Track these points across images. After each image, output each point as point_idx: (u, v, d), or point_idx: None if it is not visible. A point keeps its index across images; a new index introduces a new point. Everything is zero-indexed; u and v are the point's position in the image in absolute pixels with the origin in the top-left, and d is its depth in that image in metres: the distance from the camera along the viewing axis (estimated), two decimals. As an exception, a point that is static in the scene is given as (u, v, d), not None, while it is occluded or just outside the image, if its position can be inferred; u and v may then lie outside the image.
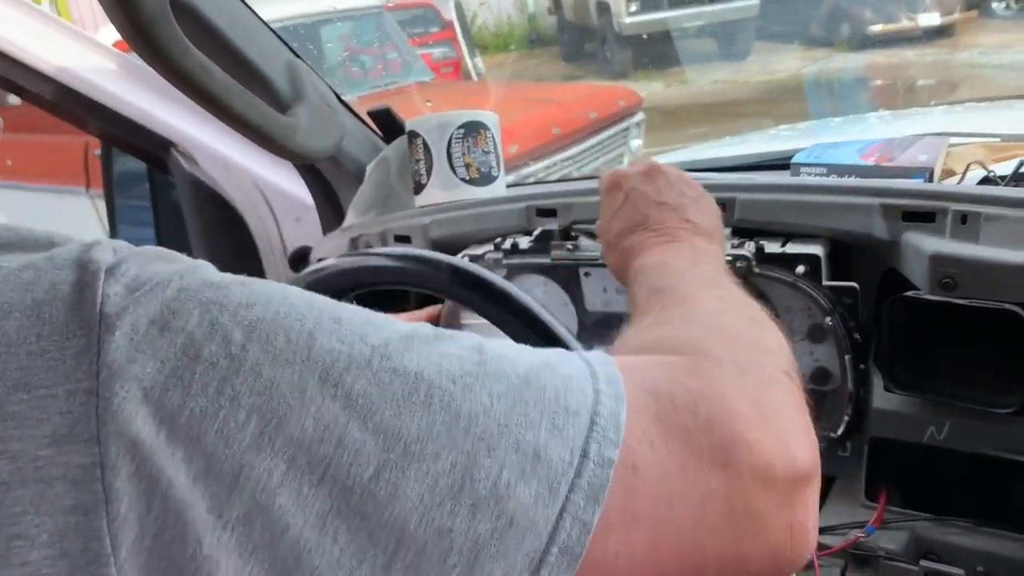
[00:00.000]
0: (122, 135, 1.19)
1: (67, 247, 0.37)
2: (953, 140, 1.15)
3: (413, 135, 1.17)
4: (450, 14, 9.32)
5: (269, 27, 1.05)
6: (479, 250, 1.03)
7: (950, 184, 1.02)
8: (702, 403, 0.42)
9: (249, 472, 0.33)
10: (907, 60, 8.61)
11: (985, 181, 0.99)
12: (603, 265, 0.89)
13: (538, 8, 13.10)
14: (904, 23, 9.23)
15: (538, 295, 0.98)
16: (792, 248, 0.91)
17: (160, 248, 0.39)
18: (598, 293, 0.93)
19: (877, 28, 9.25)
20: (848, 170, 1.09)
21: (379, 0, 5.91)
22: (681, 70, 9.17)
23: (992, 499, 0.88)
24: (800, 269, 0.90)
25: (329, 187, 1.22)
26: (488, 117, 1.18)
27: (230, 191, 1.27)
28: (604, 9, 9.42)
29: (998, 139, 1.17)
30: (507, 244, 1.02)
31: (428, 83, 5.46)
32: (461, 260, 0.68)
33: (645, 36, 9.14)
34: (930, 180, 1.04)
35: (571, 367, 0.42)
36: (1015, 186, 0.95)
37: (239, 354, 0.34)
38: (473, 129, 1.15)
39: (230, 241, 1.29)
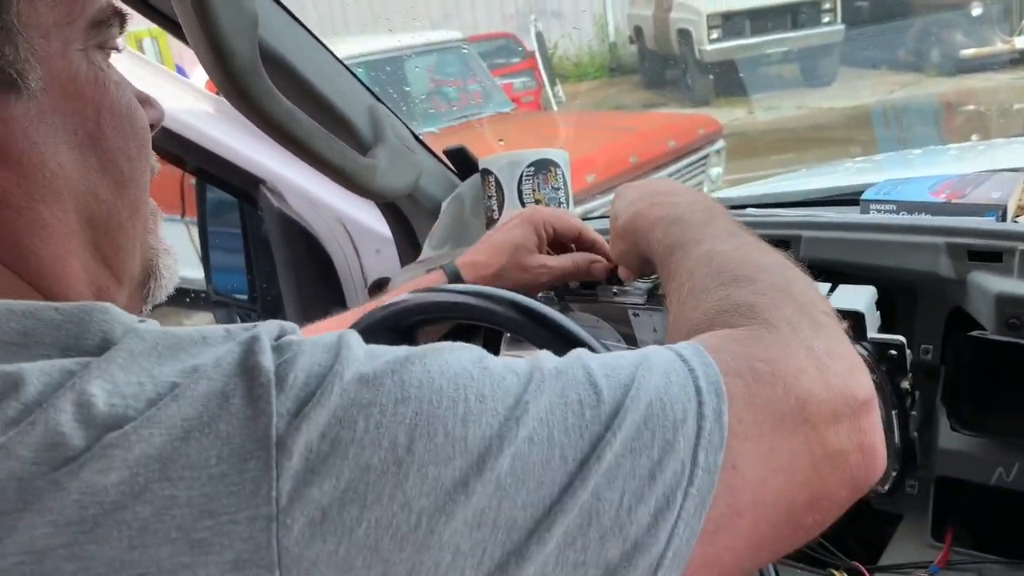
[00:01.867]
0: (215, 172, 1.27)
1: (229, 348, 0.38)
2: None
3: (486, 173, 1.22)
4: (531, 45, 9.46)
5: (353, 73, 1.11)
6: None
7: (1020, 223, 1.01)
8: (777, 371, 0.47)
9: (418, 570, 0.36)
10: (1002, 85, 8.33)
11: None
12: (649, 307, 0.92)
13: (619, 37, 13.15)
14: (998, 46, 8.93)
15: (591, 332, 1.00)
16: (835, 302, 0.89)
17: (310, 341, 0.40)
18: (649, 333, 0.95)
19: (969, 52, 8.98)
20: (918, 207, 1.09)
21: (461, 33, 6.05)
22: (765, 96, 9.06)
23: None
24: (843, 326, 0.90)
25: (407, 222, 1.28)
26: (558, 155, 1.22)
27: (315, 225, 1.34)
28: (685, 36, 9.41)
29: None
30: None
31: (508, 114, 5.55)
32: (521, 296, 0.72)
33: (727, 63, 9.08)
34: (1003, 218, 1.04)
35: (668, 366, 0.45)
36: None
37: (405, 457, 0.36)
38: (543, 167, 1.19)
39: (314, 272, 1.36)
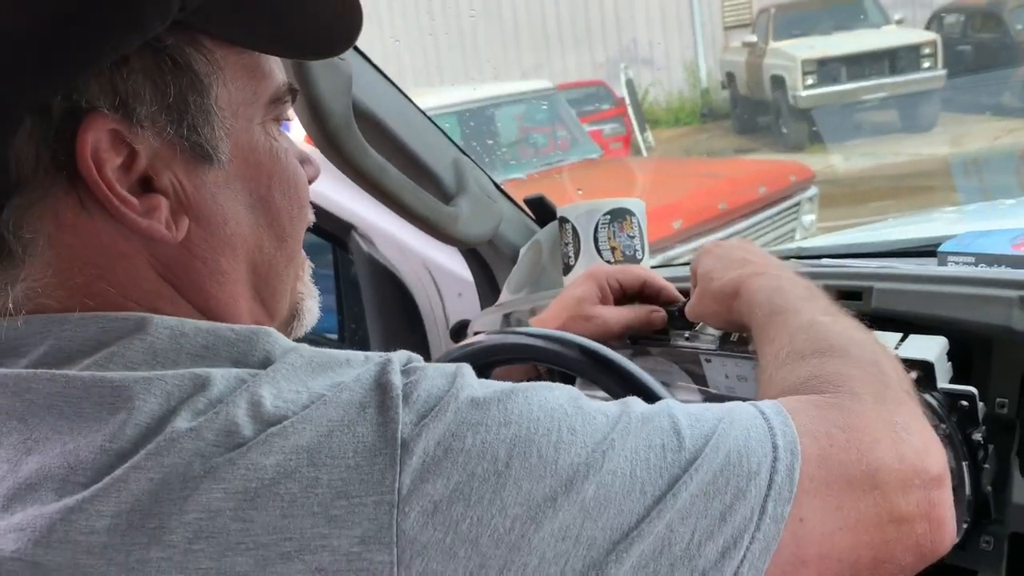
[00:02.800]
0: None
1: (367, 368, 0.46)
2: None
3: (563, 221, 1.27)
4: (621, 91, 9.55)
5: (438, 127, 1.18)
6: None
7: None
8: (853, 438, 0.51)
9: (510, 567, 0.42)
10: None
11: None
12: (722, 354, 0.94)
13: (710, 83, 13.13)
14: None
15: (662, 376, 1.03)
16: (906, 351, 0.89)
17: (433, 367, 0.48)
18: (720, 379, 0.97)
19: (1081, 96, 8.62)
20: (997, 259, 1.08)
21: (550, 82, 6.16)
22: (861, 143, 8.89)
23: None
24: (913, 375, 0.89)
25: (487, 267, 1.33)
26: (634, 204, 1.26)
27: (402, 270, 1.41)
28: (779, 82, 9.33)
29: None
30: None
31: (595, 160, 5.61)
32: (590, 340, 0.76)
33: (822, 108, 8.95)
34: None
35: (749, 422, 0.50)
36: None
37: (504, 471, 0.43)
38: (619, 215, 1.24)
39: (400, 313, 1.43)
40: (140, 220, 0.47)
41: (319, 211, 1.35)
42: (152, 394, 0.43)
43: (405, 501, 0.41)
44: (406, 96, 1.14)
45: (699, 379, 1.03)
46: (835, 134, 8.98)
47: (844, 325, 0.66)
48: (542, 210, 1.33)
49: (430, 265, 1.43)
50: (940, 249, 1.14)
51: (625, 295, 1.00)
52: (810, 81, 8.87)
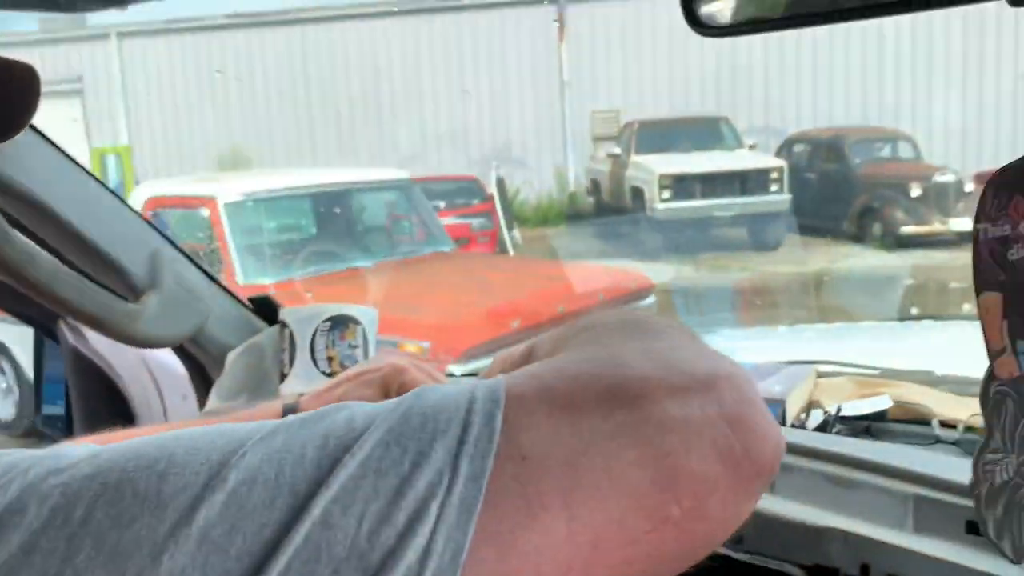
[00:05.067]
0: (10, 301, 1.22)
1: None
2: (826, 369, 1.12)
3: (283, 324, 1.18)
4: (493, 188, 9.74)
5: (142, 217, 1.09)
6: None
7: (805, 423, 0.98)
8: (584, 362, 0.42)
9: None
10: (939, 263, 8.64)
11: (825, 423, 0.95)
12: None
13: (578, 188, 13.61)
14: (936, 226, 9.34)
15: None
16: None
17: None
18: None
19: (909, 229, 9.36)
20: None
21: (407, 172, 6.19)
22: (712, 256, 9.33)
23: None
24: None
25: (203, 368, 1.23)
26: (364, 312, 1.19)
27: (116, 366, 1.28)
28: (639, 194, 9.76)
29: (877, 371, 1.13)
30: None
31: (447, 253, 5.61)
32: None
33: (678, 221, 9.37)
34: (782, 415, 1.01)
35: (448, 389, 0.41)
36: (824, 433, 0.91)
37: (78, 531, 0.35)
38: (341, 323, 1.16)
39: (111, 416, 1.29)
40: None
41: (18, 294, 1.22)
42: None
43: None
44: (101, 183, 1.04)
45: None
46: (688, 246, 9.40)
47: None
48: (268, 311, 1.25)
49: (150, 363, 1.30)
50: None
51: None
52: (667, 195, 9.33)
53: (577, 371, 0.41)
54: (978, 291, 0.40)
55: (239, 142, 14.34)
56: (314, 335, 1.15)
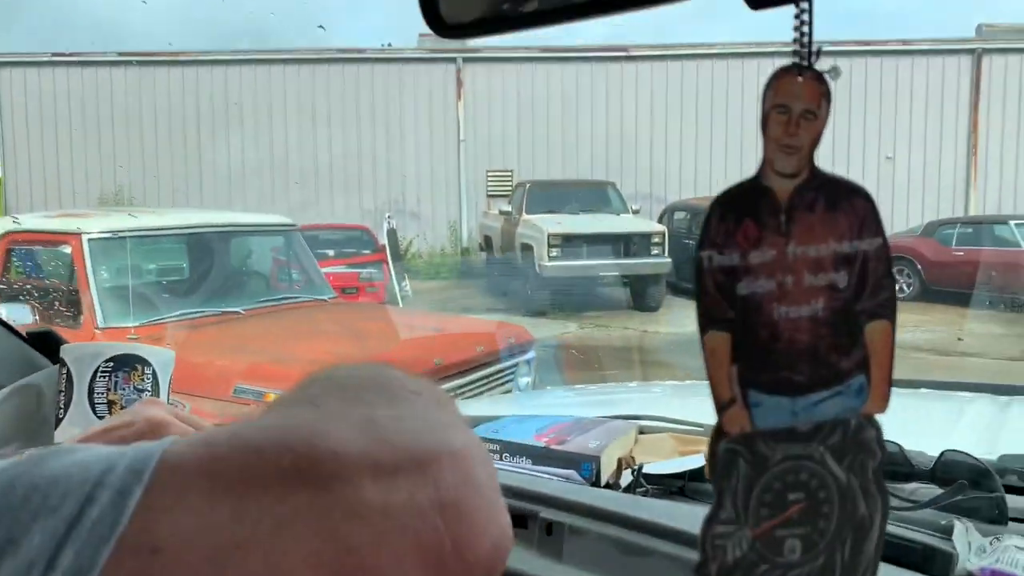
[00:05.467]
0: None
1: None
2: (649, 424, 1.07)
3: (62, 363, 1.05)
4: (384, 239, 9.64)
5: None
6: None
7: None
8: (271, 429, 0.36)
9: None
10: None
11: (634, 483, 0.89)
12: None
13: (471, 243, 13.64)
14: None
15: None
16: None
17: None
18: None
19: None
20: (518, 450, 0.99)
21: (289, 219, 6.05)
22: (596, 314, 9.46)
23: None
24: None
25: (-32, 411, 1.08)
26: (156, 353, 1.07)
27: None
28: (528, 251, 9.84)
29: (702, 429, 1.09)
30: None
31: (325, 301, 5.46)
32: None
33: (565, 279, 9.49)
34: (596, 471, 0.95)
35: (99, 454, 0.33)
36: (631, 495, 0.85)
37: None
38: (126, 363, 1.04)
39: None
40: None
41: None
42: None
43: None
44: None
45: None
46: (574, 303, 9.53)
47: None
48: (50, 348, 1.11)
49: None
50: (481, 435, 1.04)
51: None
52: (555, 253, 9.46)
53: (263, 439, 0.34)
54: (703, 329, 0.34)
55: (124, 183, 13.79)
56: (94, 376, 1.03)
